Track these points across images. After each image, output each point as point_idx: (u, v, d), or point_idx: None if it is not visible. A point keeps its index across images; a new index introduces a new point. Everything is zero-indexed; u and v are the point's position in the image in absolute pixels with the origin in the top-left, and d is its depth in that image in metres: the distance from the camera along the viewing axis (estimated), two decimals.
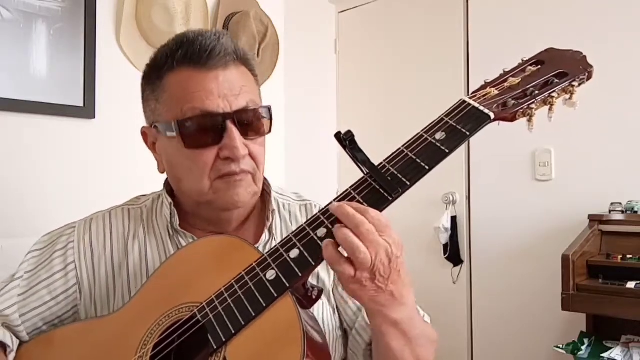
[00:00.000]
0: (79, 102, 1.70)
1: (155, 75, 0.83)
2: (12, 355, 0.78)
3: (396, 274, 0.64)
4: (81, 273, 0.84)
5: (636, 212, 1.78)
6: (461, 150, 2.32)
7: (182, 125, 0.79)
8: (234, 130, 0.77)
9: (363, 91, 2.70)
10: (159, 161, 0.87)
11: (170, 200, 0.86)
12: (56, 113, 1.65)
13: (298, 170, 2.50)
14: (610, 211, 1.83)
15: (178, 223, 0.85)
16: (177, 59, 0.80)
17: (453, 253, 2.33)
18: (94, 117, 1.73)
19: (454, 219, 2.33)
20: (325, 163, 2.67)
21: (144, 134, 0.89)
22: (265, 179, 0.91)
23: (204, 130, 0.78)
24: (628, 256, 1.71)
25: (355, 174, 0.69)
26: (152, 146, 0.88)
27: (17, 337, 0.81)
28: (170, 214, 0.85)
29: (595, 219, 1.82)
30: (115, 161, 1.79)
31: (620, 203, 1.83)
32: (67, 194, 1.66)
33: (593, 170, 2.00)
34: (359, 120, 2.64)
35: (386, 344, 0.69)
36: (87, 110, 1.71)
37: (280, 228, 0.89)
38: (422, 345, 0.72)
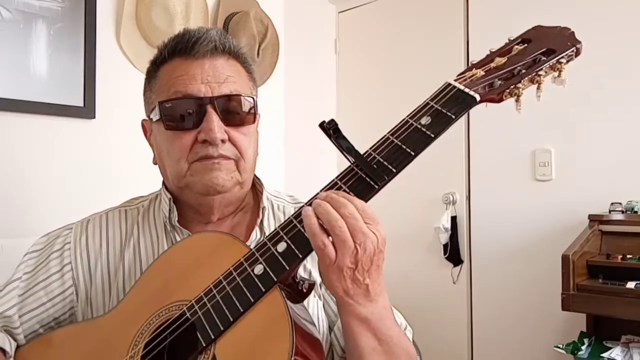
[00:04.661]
0: (79, 102, 1.70)
1: (153, 69, 0.87)
2: None
3: (375, 270, 0.64)
4: (77, 274, 0.85)
5: (636, 212, 1.77)
6: (461, 150, 2.35)
7: (163, 107, 0.81)
8: (212, 114, 0.78)
9: (363, 91, 2.70)
10: (153, 152, 0.89)
11: (169, 195, 0.86)
12: (56, 113, 1.65)
13: (297, 170, 2.50)
14: (610, 211, 1.83)
15: (177, 219, 0.85)
16: (169, 51, 0.83)
17: (453, 253, 2.32)
18: (94, 117, 1.74)
19: (454, 219, 2.33)
20: (325, 163, 2.66)
21: (143, 126, 0.91)
22: (257, 177, 0.91)
23: (184, 113, 0.80)
24: (628, 256, 1.70)
25: None
26: (148, 137, 0.90)
27: (15, 341, 0.81)
28: (169, 209, 0.86)
29: (595, 219, 1.82)
30: (115, 161, 1.79)
31: (620, 203, 1.83)
32: (67, 193, 1.66)
33: (593, 170, 1.99)
34: (359, 120, 2.64)
35: (355, 342, 0.67)
36: (87, 110, 1.72)
37: (274, 228, 0.89)
38: (396, 353, 0.69)
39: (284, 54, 2.37)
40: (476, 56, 2.56)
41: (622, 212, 1.80)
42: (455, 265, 2.33)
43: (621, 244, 1.77)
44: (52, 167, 1.65)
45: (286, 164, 2.46)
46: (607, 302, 1.59)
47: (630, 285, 1.59)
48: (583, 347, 1.71)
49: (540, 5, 2.13)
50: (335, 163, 2.68)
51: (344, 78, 2.78)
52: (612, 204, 1.84)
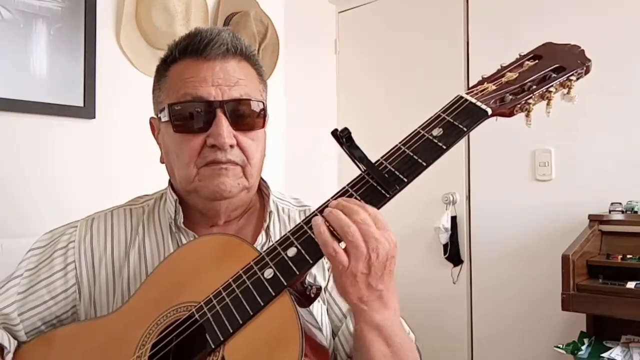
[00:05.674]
0: (79, 102, 1.70)
1: (163, 68, 0.86)
2: (9, 357, 0.77)
3: (388, 275, 0.64)
4: (81, 273, 0.84)
5: (636, 212, 1.78)
6: (461, 150, 2.35)
7: (173, 109, 0.80)
8: (222, 119, 0.78)
9: (363, 91, 2.70)
10: (160, 151, 0.88)
11: (175, 197, 0.86)
12: (56, 113, 1.65)
13: (298, 170, 2.50)
14: (610, 211, 1.83)
15: (182, 220, 0.85)
16: (179, 51, 0.83)
17: (453, 253, 2.32)
18: (94, 117, 1.73)
19: (454, 219, 2.33)
20: (325, 163, 2.67)
21: (150, 124, 0.91)
22: (264, 180, 0.91)
23: (194, 116, 0.80)
24: (628, 256, 1.71)
25: (354, 173, 0.69)
26: (156, 136, 0.89)
27: (15, 338, 0.81)
28: (175, 210, 0.85)
29: (595, 219, 1.82)
30: (115, 161, 1.79)
31: (620, 203, 1.83)
32: (67, 193, 1.66)
33: (593, 170, 2.00)
34: (359, 120, 2.64)
35: (367, 348, 0.67)
36: (87, 110, 1.71)
37: (279, 232, 0.88)
38: (404, 359, 0.69)
39: (284, 54, 2.36)
40: (476, 57, 2.56)
41: (622, 212, 1.81)
42: (455, 265, 2.33)
43: (621, 244, 1.77)
44: (52, 167, 1.65)
45: (286, 164, 2.46)
46: (607, 302, 1.59)
47: (630, 285, 1.59)
48: (583, 347, 1.71)
49: (539, 6, 2.13)
50: (336, 163, 2.69)
51: (344, 78, 2.78)
52: (612, 204, 1.84)
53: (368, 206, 0.63)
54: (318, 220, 0.63)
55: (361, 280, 0.63)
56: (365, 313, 0.65)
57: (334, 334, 0.85)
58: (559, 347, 1.76)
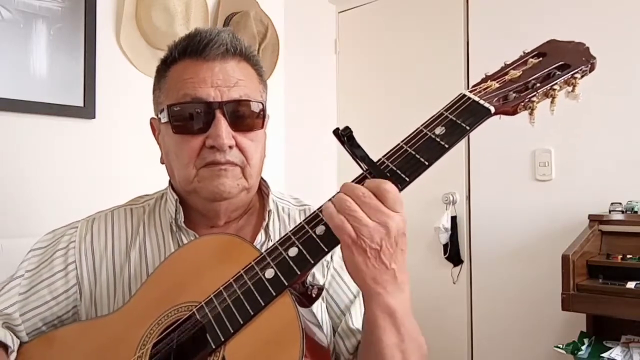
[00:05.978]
0: (79, 102, 1.70)
1: (163, 68, 0.86)
2: (13, 356, 0.78)
3: (401, 254, 0.62)
4: (82, 273, 0.84)
5: (636, 212, 1.78)
6: (461, 150, 2.35)
7: (172, 110, 0.80)
8: (221, 120, 0.78)
9: (363, 91, 2.70)
10: (161, 151, 0.88)
11: (176, 197, 0.86)
12: (56, 113, 1.65)
13: (298, 170, 2.50)
14: (610, 211, 1.83)
15: (183, 220, 0.85)
16: (179, 52, 0.83)
17: (453, 253, 2.32)
18: (94, 117, 1.74)
19: (454, 219, 2.33)
20: (325, 163, 2.67)
21: (151, 124, 0.91)
22: (263, 180, 0.91)
23: (193, 117, 0.79)
24: (628, 256, 1.70)
25: (354, 173, 0.69)
26: (157, 137, 0.90)
27: (17, 337, 0.81)
28: (176, 210, 0.85)
29: (595, 219, 1.82)
30: (115, 161, 1.79)
31: (620, 203, 1.83)
32: (67, 193, 1.66)
33: (593, 170, 2.00)
34: (359, 120, 2.64)
35: (378, 337, 0.65)
36: (87, 110, 1.72)
37: (279, 231, 0.88)
38: (412, 350, 0.69)
39: (284, 54, 2.37)
40: (476, 57, 2.55)
41: (622, 212, 1.80)
42: (455, 265, 2.33)
43: (621, 244, 1.77)
44: (52, 167, 1.65)
45: (286, 164, 2.46)
46: (607, 302, 1.59)
47: (630, 285, 1.59)
48: (583, 347, 1.71)
49: (539, 6, 2.13)
50: (336, 162, 2.69)
51: (344, 78, 2.78)
52: (612, 204, 1.84)
53: (378, 183, 0.62)
54: (327, 203, 0.63)
55: (373, 257, 0.61)
56: (380, 297, 0.63)
57: (334, 331, 0.85)
58: (559, 347, 1.76)
